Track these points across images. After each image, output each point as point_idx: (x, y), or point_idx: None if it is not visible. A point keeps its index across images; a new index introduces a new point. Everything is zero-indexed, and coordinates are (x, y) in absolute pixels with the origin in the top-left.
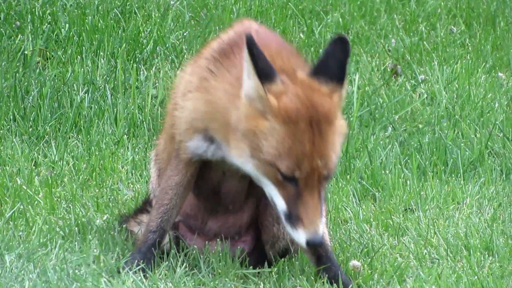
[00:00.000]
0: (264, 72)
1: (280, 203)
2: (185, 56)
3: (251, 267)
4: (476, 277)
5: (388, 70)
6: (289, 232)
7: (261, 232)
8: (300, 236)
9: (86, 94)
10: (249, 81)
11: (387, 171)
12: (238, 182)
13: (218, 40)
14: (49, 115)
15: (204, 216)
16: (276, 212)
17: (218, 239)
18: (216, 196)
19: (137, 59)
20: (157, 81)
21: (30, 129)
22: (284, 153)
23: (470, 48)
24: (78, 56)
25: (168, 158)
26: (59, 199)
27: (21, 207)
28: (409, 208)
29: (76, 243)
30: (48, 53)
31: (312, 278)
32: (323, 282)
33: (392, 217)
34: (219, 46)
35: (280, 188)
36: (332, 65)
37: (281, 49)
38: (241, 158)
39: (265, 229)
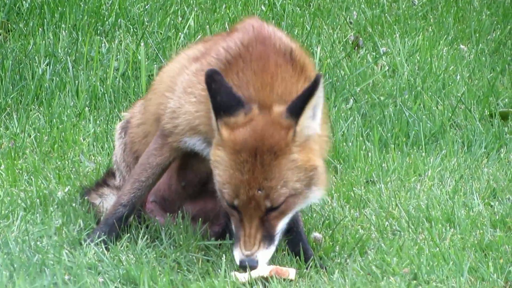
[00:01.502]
0: (222, 106)
1: (232, 225)
2: (147, 28)
3: (212, 238)
4: (437, 249)
5: (350, 42)
6: (232, 253)
7: None
8: (235, 256)
9: (48, 67)
10: (212, 115)
11: (349, 143)
12: None
13: (225, 42)
14: (11, 87)
15: (182, 201)
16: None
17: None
18: (203, 187)
19: (98, 31)
20: (118, 54)
21: None
22: (226, 182)
23: (432, 21)
24: (40, 29)
25: (144, 135)
26: (20, 171)
27: None
28: (370, 180)
29: (38, 215)
30: (9, 25)
31: None
32: (284, 254)
33: (354, 189)
34: (224, 56)
35: (230, 213)
36: (297, 101)
37: (279, 72)
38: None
39: None
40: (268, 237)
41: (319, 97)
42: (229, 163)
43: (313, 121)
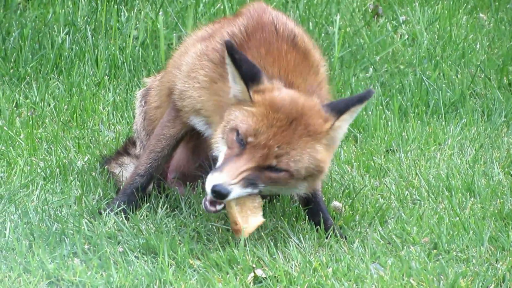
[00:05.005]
0: (249, 74)
1: (220, 160)
2: None
3: None
4: (457, 218)
5: (370, 11)
6: (206, 179)
7: None
8: (210, 179)
9: (67, 36)
10: (236, 85)
11: (369, 112)
12: None
13: (230, 27)
14: (30, 56)
15: (202, 177)
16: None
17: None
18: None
19: (118, 0)
20: (138, 22)
21: (11, 70)
22: (250, 122)
23: None
24: None
25: (161, 115)
26: (40, 141)
27: (2, 148)
28: (390, 149)
29: (57, 184)
30: None
31: (293, 219)
32: (304, 223)
33: (374, 158)
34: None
35: (229, 149)
36: (342, 102)
37: (280, 58)
38: (215, 144)
39: None
40: (251, 182)
41: (359, 110)
42: (261, 112)
43: (345, 127)
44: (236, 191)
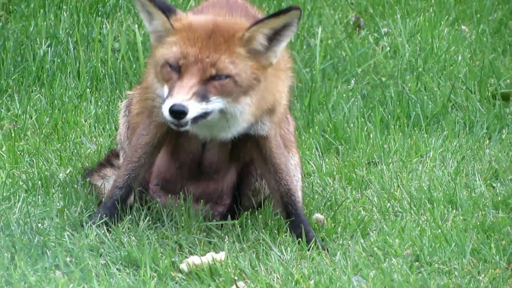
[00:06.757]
0: (165, 6)
1: (165, 92)
2: None
3: (214, 220)
4: (439, 230)
5: (351, 23)
6: (162, 111)
7: (242, 185)
8: (165, 106)
9: (49, 48)
10: (155, 22)
11: (350, 124)
12: (219, 151)
13: None
14: (12, 68)
15: (183, 182)
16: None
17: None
18: (199, 166)
19: (99, 12)
20: (119, 35)
21: None
22: (175, 49)
23: (433, 1)
24: (41, 10)
25: (141, 120)
26: (22, 153)
27: None
28: (372, 161)
29: (39, 196)
30: (11, 6)
31: (275, 231)
32: (286, 235)
33: (356, 170)
34: None
35: (168, 82)
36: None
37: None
38: (156, 90)
39: (247, 182)
40: (202, 96)
41: (283, 24)
42: (182, 37)
43: (271, 46)
44: (193, 106)
